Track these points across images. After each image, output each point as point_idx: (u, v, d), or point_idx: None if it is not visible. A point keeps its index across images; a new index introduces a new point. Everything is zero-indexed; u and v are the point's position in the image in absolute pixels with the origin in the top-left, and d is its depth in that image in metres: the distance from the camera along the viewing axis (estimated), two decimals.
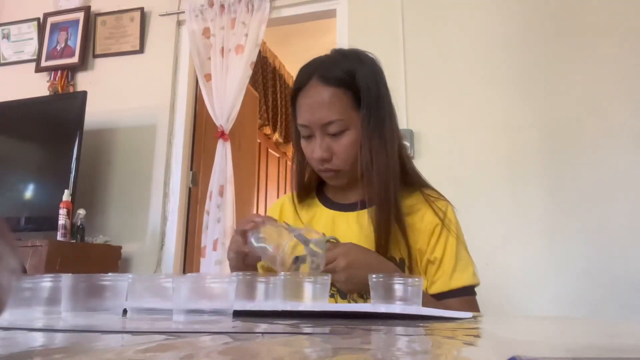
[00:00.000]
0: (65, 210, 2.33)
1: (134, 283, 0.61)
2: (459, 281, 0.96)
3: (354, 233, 1.02)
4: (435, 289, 0.97)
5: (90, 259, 2.41)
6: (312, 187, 1.12)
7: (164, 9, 2.87)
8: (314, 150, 0.99)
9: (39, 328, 0.50)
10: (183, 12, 2.81)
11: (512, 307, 2.00)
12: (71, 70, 2.96)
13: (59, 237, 2.30)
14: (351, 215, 1.05)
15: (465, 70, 2.31)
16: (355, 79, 0.98)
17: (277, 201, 1.20)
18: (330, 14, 2.65)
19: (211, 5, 2.72)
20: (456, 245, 0.99)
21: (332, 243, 0.89)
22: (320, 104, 0.97)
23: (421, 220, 1.01)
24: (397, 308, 0.63)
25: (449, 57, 2.34)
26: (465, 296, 0.97)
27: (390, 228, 0.97)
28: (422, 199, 1.03)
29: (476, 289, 1.00)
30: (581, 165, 2.09)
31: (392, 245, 0.98)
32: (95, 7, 3.02)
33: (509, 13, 2.31)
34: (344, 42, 2.48)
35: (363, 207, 1.02)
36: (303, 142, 1.03)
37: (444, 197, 1.07)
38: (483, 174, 2.18)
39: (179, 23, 2.88)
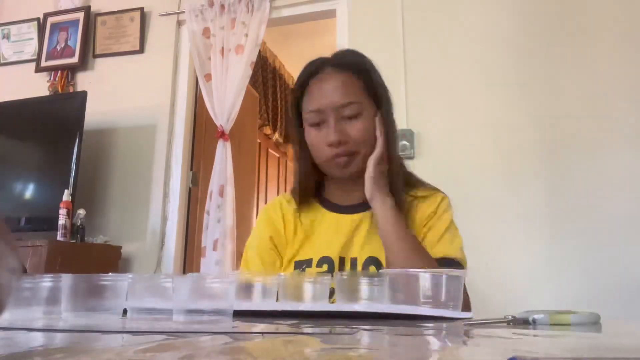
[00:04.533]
0: (65, 210, 2.32)
1: (134, 283, 0.61)
2: (441, 252, 0.94)
3: (361, 234, 1.02)
4: None
5: (90, 259, 2.41)
6: (311, 189, 1.08)
7: (164, 9, 2.87)
8: (328, 134, 0.97)
9: (39, 328, 0.50)
10: (183, 12, 2.81)
11: (512, 307, 2.00)
12: (71, 70, 2.96)
13: (59, 237, 2.30)
14: (355, 217, 1.03)
15: (466, 70, 2.31)
16: (366, 69, 1.02)
17: (275, 200, 1.14)
18: (330, 14, 2.65)
19: (211, 5, 2.72)
20: (446, 225, 0.99)
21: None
22: (335, 87, 0.98)
23: (413, 218, 1.02)
24: (397, 308, 0.63)
25: (449, 57, 2.34)
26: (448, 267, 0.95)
27: (404, 211, 0.97)
28: (422, 192, 1.04)
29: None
30: (581, 165, 2.09)
31: None
32: (95, 7, 3.02)
33: (509, 13, 2.31)
34: (344, 42, 2.48)
35: (368, 208, 1.01)
36: (312, 132, 1.00)
37: (439, 191, 1.06)
38: (483, 173, 2.18)
39: (179, 23, 2.88)
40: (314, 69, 1.02)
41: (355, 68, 1.01)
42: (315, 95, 1.00)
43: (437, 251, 0.95)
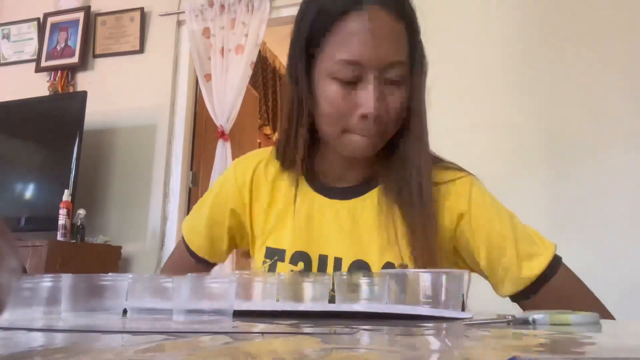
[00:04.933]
0: (65, 210, 2.33)
1: (134, 283, 0.61)
2: (533, 268, 0.74)
3: (349, 229, 0.81)
4: (507, 291, 0.76)
5: (90, 259, 2.41)
6: (302, 161, 0.81)
7: (164, 9, 2.87)
8: (366, 101, 0.71)
9: (39, 328, 0.50)
10: (183, 12, 2.81)
11: (512, 306, 2.00)
12: (71, 70, 2.96)
13: (59, 237, 2.30)
14: (345, 205, 0.83)
15: (466, 71, 2.31)
16: (414, 18, 0.78)
17: (252, 156, 0.90)
18: None
19: (211, 5, 2.72)
20: (509, 222, 0.78)
21: None
22: (386, 35, 0.72)
23: (441, 208, 0.80)
24: (397, 308, 0.63)
25: (449, 57, 2.34)
26: (555, 276, 0.76)
27: (431, 204, 0.76)
28: (442, 175, 0.85)
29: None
30: (581, 165, 2.09)
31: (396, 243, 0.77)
32: (95, 7, 3.02)
33: (510, 13, 2.31)
34: None
35: (372, 186, 0.83)
36: (336, 90, 0.73)
37: (462, 170, 0.85)
38: (483, 174, 2.17)
39: (179, 23, 2.88)
40: (350, 3, 0.72)
41: (406, 13, 0.76)
42: (354, 41, 0.71)
43: (529, 270, 0.73)
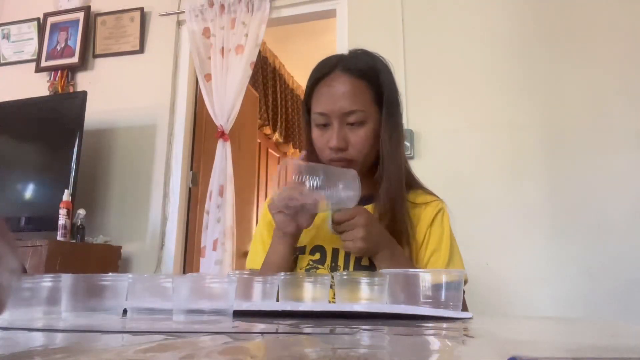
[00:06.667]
0: (65, 210, 2.32)
1: (134, 283, 0.61)
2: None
3: None
4: None
5: (90, 259, 2.41)
6: None
7: (164, 9, 2.87)
8: (331, 139, 0.99)
9: (39, 328, 0.50)
10: (183, 12, 2.81)
11: (512, 307, 2.00)
12: (71, 70, 2.96)
13: (59, 237, 2.29)
14: None
15: (466, 70, 2.31)
16: (377, 75, 1.03)
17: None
18: (330, 14, 2.65)
19: (211, 5, 2.72)
20: (450, 240, 1.02)
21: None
22: (343, 93, 0.99)
23: (419, 216, 1.04)
24: (397, 308, 0.63)
25: (449, 56, 2.34)
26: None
27: (404, 220, 0.99)
28: (420, 198, 1.07)
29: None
30: (581, 165, 2.09)
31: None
32: (95, 7, 3.02)
33: (510, 13, 2.31)
34: (344, 42, 2.48)
35: (369, 202, 1.03)
36: (316, 132, 1.03)
37: (438, 197, 1.08)
38: (483, 174, 2.18)
39: (179, 23, 2.88)
40: (326, 70, 1.03)
41: (366, 74, 1.02)
42: (322, 98, 1.01)
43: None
